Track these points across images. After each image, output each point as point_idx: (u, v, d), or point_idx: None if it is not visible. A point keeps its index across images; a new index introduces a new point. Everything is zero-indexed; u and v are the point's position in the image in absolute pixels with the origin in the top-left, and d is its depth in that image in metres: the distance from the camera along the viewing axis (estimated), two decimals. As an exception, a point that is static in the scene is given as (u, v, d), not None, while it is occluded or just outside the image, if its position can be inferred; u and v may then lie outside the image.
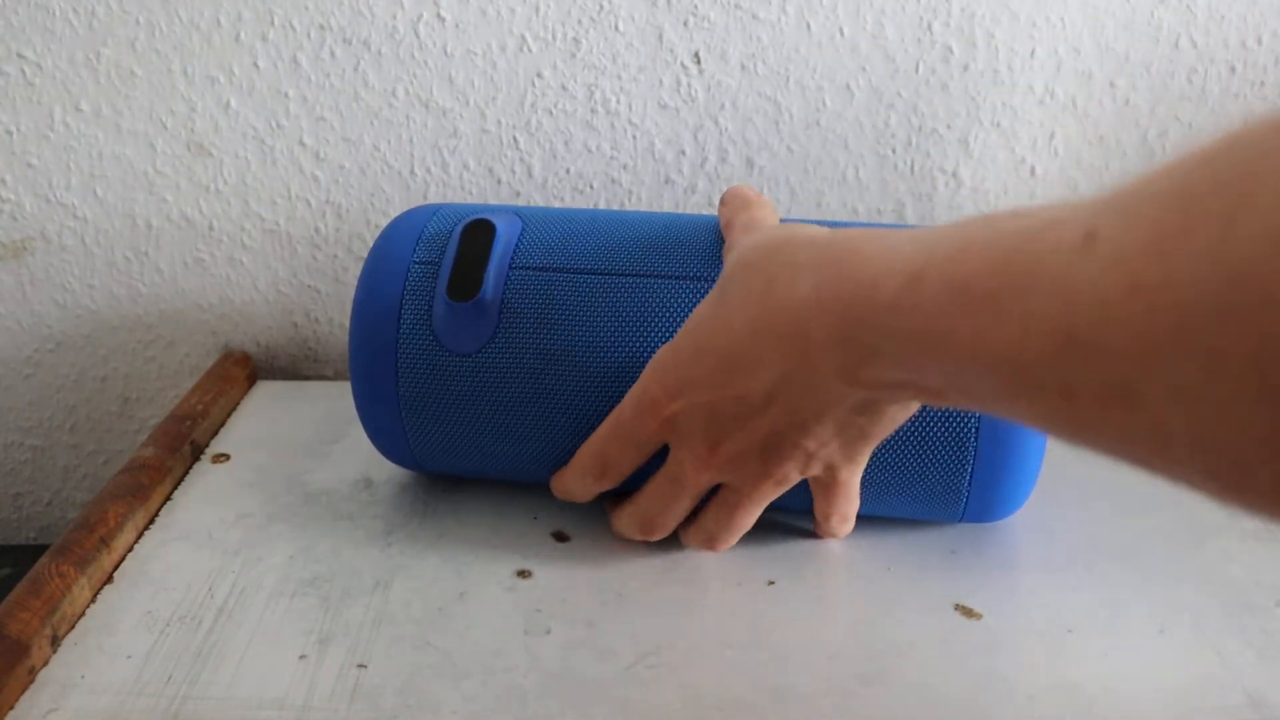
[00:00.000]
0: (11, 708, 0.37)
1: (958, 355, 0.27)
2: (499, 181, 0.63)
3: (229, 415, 0.59)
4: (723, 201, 0.43)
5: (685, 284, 0.44)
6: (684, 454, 0.38)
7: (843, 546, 0.46)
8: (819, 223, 0.47)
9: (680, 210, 0.64)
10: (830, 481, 0.40)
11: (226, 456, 0.55)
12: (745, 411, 0.34)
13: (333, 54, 0.60)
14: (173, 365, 0.67)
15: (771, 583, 0.43)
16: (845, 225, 0.46)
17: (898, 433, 0.40)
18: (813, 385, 0.32)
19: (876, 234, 0.32)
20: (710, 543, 0.41)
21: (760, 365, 0.33)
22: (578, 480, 0.42)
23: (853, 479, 0.40)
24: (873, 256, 0.30)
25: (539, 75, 0.60)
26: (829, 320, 0.30)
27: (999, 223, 0.27)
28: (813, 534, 0.46)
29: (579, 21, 0.59)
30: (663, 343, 0.43)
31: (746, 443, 0.35)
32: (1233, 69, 0.61)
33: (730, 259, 0.37)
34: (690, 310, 0.43)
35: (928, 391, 0.30)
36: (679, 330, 0.38)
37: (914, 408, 0.35)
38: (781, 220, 0.47)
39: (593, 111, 0.61)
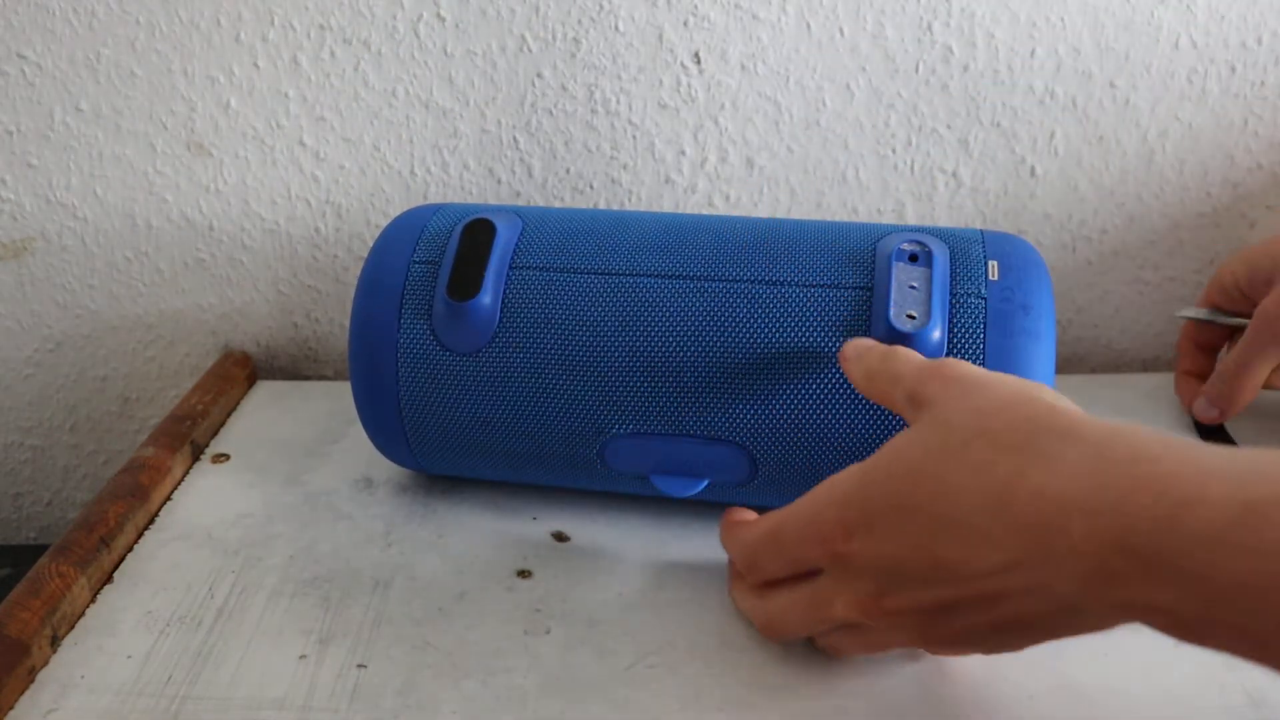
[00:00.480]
0: (11, 708, 0.37)
1: None
2: (499, 181, 0.63)
3: (229, 415, 0.59)
4: (845, 358, 0.40)
5: (685, 284, 0.44)
6: (841, 590, 0.34)
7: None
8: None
9: (680, 210, 0.64)
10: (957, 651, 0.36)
11: (226, 456, 0.55)
12: (936, 577, 0.31)
13: (333, 54, 0.60)
14: (173, 365, 0.67)
15: (771, 583, 0.43)
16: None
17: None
18: (1041, 582, 0.29)
19: (1162, 440, 0.29)
20: (836, 653, 0.39)
21: (985, 546, 0.30)
22: (731, 550, 0.40)
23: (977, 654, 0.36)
24: (1178, 472, 0.27)
25: (539, 75, 0.60)
26: (1102, 529, 0.27)
27: None
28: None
29: (579, 21, 0.59)
30: (661, 342, 0.43)
31: (919, 604, 0.32)
32: (1233, 69, 0.61)
33: (952, 415, 0.33)
34: (689, 309, 0.43)
35: (1183, 626, 0.27)
36: (869, 464, 0.34)
37: (1121, 624, 0.31)
38: (781, 219, 0.47)
39: (593, 111, 0.61)
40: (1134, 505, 0.27)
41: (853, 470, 0.34)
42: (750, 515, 0.40)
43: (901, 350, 0.38)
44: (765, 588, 0.38)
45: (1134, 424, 0.30)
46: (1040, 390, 0.33)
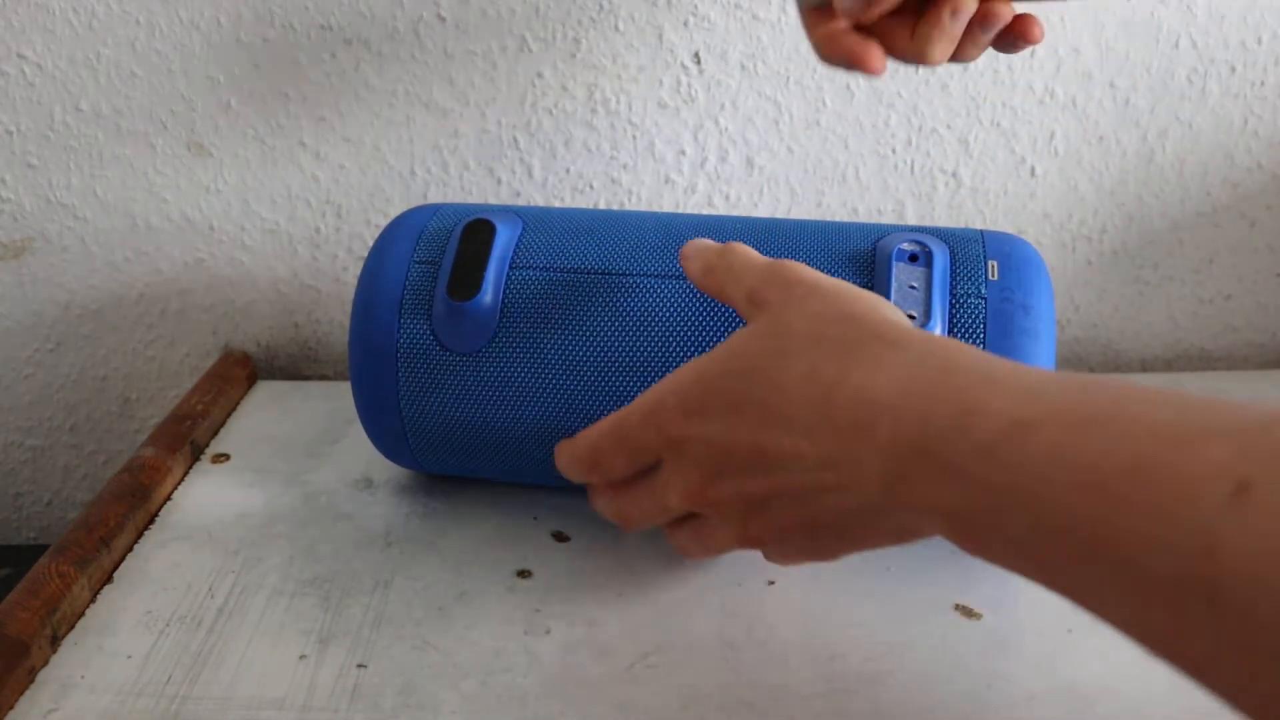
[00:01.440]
0: (11, 708, 0.37)
1: (1052, 533, 0.26)
2: (499, 181, 0.63)
3: (229, 415, 0.59)
4: (685, 255, 0.41)
5: (685, 284, 0.44)
6: (674, 478, 0.36)
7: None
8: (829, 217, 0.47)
9: (680, 210, 0.64)
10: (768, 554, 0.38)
11: (226, 456, 0.55)
12: (756, 466, 0.33)
13: (333, 54, 0.60)
14: (173, 365, 0.67)
15: (771, 583, 0.43)
16: (840, 222, 0.46)
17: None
18: (845, 478, 0.31)
19: (976, 356, 0.31)
20: (684, 554, 0.40)
21: (802, 437, 0.32)
22: (569, 464, 0.41)
23: (791, 561, 0.39)
24: (974, 384, 0.29)
25: (539, 75, 0.60)
26: (903, 431, 0.29)
27: (1131, 406, 0.26)
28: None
29: (579, 22, 0.59)
30: (662, 342, 0.43)
31: (738, 495, 0.34)
32: (1233, 69, 0.61)
33: (791, 319, 0.35)
34: (689, 309, 0.43)
35: (963, 531, 0.29)
36: (709, 356, 0.36)
37: (920, 536, 0.33)
38: (781, 219, 0.47)
39: (593, 111, 0.61)
40: (933, 412, 0.29)
41: (694, 363, 0.36)
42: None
43: (739, 247, 0.40)
44: (616, 488, 0.40)
45: (955, 340, 0.32)
46: (877, 302, 0.35)
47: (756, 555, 0.45)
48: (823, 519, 0.33)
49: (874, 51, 0.40)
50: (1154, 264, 0.66)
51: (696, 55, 0.60)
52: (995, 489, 0.27)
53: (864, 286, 0.42)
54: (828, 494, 0.32)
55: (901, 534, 0.33)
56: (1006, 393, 0.28)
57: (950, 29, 0.39)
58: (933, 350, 0.32)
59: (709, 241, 0.41)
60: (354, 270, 0.65)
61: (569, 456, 0.40)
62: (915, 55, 0.40)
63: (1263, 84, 0.61)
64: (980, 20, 0.39)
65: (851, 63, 0.41)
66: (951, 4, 0.38)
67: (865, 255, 0.43)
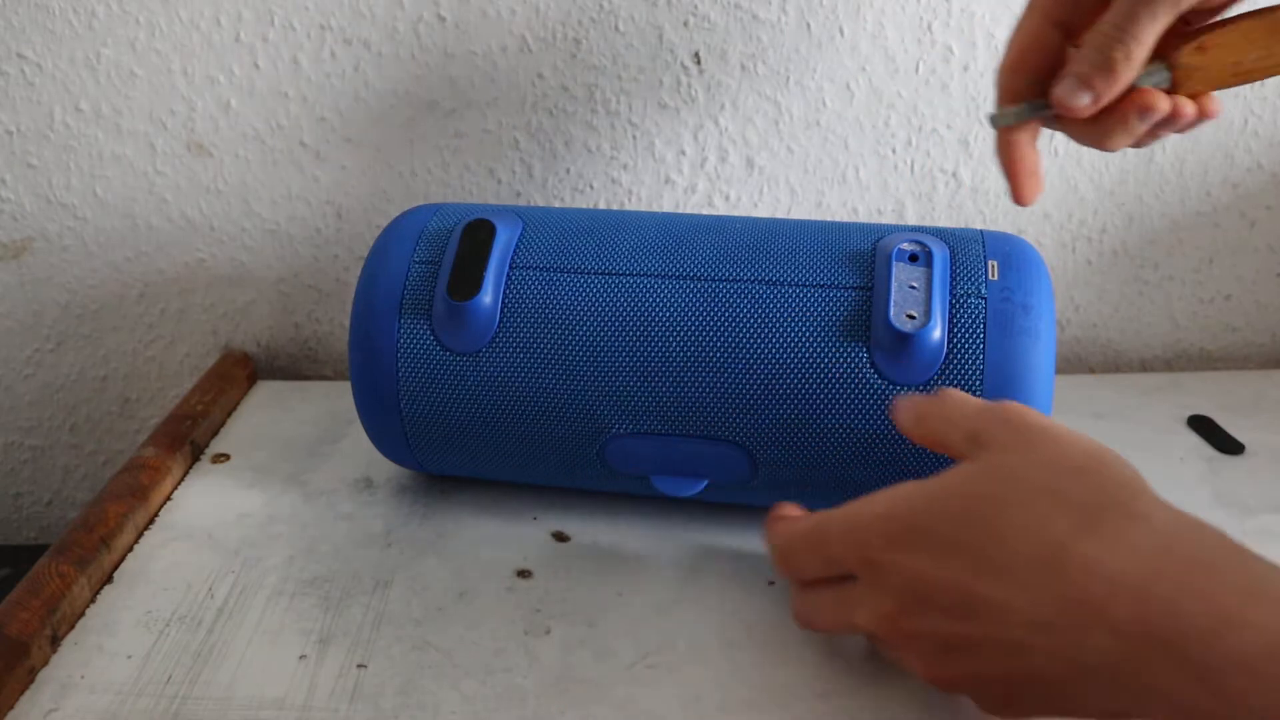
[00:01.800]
0: (11, 708, 0.37)
1: None
2: (499, 181, 0.63)
3: (229, 415, 0.59)
4: (897, 410, 0.39)
5: (685, 284, 0.44)
6: (866, 600, 0.35)
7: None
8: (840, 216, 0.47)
9: (680, 210, 0.64)
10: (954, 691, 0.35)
11: (226, 456, 0.55)
12: (960, 610, 0.32)
13: (333, 54, 0.60)
14: (173, 365, 0.67)
15: (771, 583, 0.43)
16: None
17: (898, 435, 0.40)
18: (1058, 645, 0.30)
19: (1228, 548, 0.29)
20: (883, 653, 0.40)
21: (1020, 592, 0.30)
22: (769, 550, 0.40)
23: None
24: (1231, 585, 0.28)
25: (539, 75, 0.60)
26: (1148, 618, 0.28)
27: None
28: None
29: (579, 22, 0.59)
30: (661, 342, 0.43)
31: (934, 632, 0.33)
32: (1233, 69, 0.61)
33: (1019, 465, 0.33)
34: (689, 309, 0.43)
35: None
36: (928, 485, 0.34)
37: (1129, 718, 0.31)
38: (780, 220, 0.47)
39: (593, 111, 0.61)
40: (1184, 609, 0.28)
41: (909, 486, 0.35)
42: (797, 511, 0.40)
43: (952, 392, 0.38)
44: (805, 584, 0.39)
45: (1200, 521, 0.31)
46: (1114, 459, 0.33)
47: (756, 555, 0.45)
48: (1024, 678, 0.32)
49: (1035, 186, 0.43)
50: (1154, 264, 0.66)
51: (696, 55, 0.60)
52: (1254, 710, 0.26)
53: (864, 287, 0.42)
54: (1033, 655, 0.31)
55: (1105, 710, 0.31)
56: (1269, 603, 0.27)
57: (1133, 127, 0.40)
58: (1182, 534, 0.30)
59: (917, 395, 0.40)
60: (354, 270, 0.65)
61: (769, 542, 0.40)
62: (1094, 142, 0.42)
63: (1263, 84, 0.61)
64: (1142, 113, 0.40)
65: (1013, 177, 0.43)
66: (1139, 106, 0.40)
67: (865, 255, 0.43)
